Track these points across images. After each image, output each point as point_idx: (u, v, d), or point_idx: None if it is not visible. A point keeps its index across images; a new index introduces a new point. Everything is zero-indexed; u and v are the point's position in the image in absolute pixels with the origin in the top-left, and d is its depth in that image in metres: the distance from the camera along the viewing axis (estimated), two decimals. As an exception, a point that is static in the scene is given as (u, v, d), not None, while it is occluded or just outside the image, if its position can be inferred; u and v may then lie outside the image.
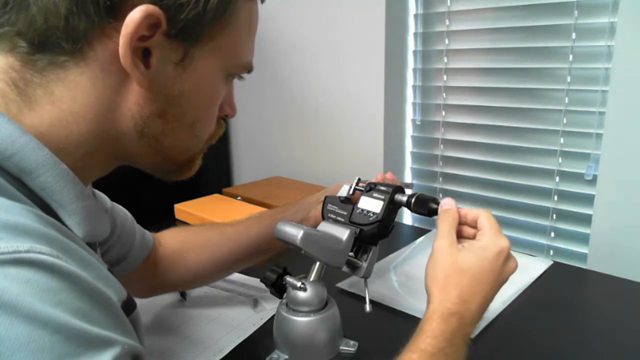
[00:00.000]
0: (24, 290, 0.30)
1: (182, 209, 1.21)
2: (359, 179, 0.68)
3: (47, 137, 0.40)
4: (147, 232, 0.71)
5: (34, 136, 0.39)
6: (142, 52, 0.40)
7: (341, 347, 0.67)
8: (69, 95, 0.40)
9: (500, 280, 0.53)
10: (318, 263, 0.63)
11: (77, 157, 0.42)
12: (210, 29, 0.42)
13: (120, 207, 0.67)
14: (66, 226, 0.40)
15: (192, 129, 0.47)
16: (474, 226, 0.57)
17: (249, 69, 0.50)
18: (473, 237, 0.56)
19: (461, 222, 0.57)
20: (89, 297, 0.33)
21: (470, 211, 0.57)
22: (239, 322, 0.75)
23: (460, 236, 0.57)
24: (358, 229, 0.62)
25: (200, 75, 0.44)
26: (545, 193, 1.16)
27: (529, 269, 0.92)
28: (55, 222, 0.37)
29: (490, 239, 0.53)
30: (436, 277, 0.53)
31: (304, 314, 0.63)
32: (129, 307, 0.42)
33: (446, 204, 0.58)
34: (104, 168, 0.47)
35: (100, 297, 0.35)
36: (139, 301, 0.76)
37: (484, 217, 0.56)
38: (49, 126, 0.40)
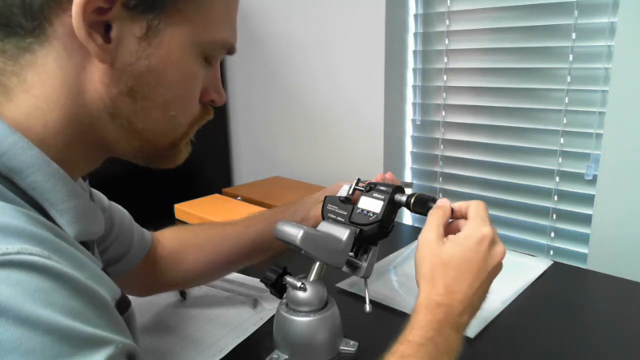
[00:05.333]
0: (14, 292, 0.30)
1: (182, 209, 1.21)
2: (358, 179, 0.68)
3: (26, 128, 0.39)
4: (145, 231, 0.71)
5: (13, 128, 0.38)
6: (104, 27, 0.39)
7: (341, 347, 0.67)
8: (39, 81, 0.40)
9: (486, 267, 0.52)
10: (318, 263, 0.63)
11: (58, 149, 0.41)
12: (174, 0, 0.41)
13: (118, 206, 0.67)
14: (58, 225, 0.40)
15: (166, 110, 0.45)
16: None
17: (229, 49, 0.48)
18: None
19: (457, 216, 0.57)
20: (82, 297, 0.33)
21: (464, 203, 0.57)
22: (239, 322, 0.75)
23: (457, 230, 0.56)
24: (358, 229, 0.62)
25: (167, 50, 0.42)
26: (545, 193, 1.16)
27: (529, 269, 0.92)
28: (47, 221, 0.37)
29: (472, 227, 0.53)
30: (422, 270, 0.53)
31: (304, 314, 0.63)
32: (123, 305, 0.41)
33: (440, 202, 0.58)
34: (89, 160, 0.46)
35: (93, 297, 0.35)
36: (139, 300, 0.77)
37: (472, 207, 0.55)
38: (26, 116, 0.40)
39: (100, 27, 0.39)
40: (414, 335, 0.48)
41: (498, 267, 0.54)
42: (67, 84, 0.40)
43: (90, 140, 0.44)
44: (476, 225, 0.53)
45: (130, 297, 0.73)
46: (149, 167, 0.50)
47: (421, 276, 0.53)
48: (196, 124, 0.50)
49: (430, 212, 0.57)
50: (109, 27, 0.39)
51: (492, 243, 0.53)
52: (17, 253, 0.31)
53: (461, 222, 0.57)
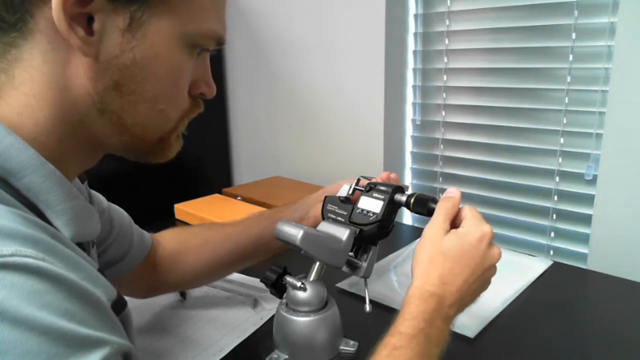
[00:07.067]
0: (9, 295, 0.30)
1: (182, 209, 1.21)
2: (359, 179, 0.68)
3: (19, 127, 0.39)
4: (145, 232, 0.71)
5: (7, 128, 0.38)
6: (87, 20, 0.39)
7: (341, 347, 0.67)
8: (27, 77, 0.39)
9: (482, 265, 0.52)
10: (318, 263, 0.63)
11: (51, 148, 0.41)
12: None
13: (118, 207, 0.67)
14: (54, 227, 0.40)
15: (155, 104, 0.44)
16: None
17: (217, 40, 0.47)
18: None
19: (453, 224, 0.57)
20: (77, 298, 0.33)
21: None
22: (239, 322, 0.75)
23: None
24: (358, 229, 0.62)
25: (152, 42, 0.41)
26: (545, 193, 1.16)
27: (529, 269, 0.92)
28: (42, 223, 0.37)
29: (473, 225, 0.53)
30: (420, 260, 0.53)
31: (304, 314, 0.63)
32: (118, 306, 0.41)
33: (450, 192, 0.57)
34: (83, 158, 0.46)
35: (89, 298, 0.35)
36: (139, 300, 0.77)
37: (466, 209, 0.56)
38: (18, 115, 0.40)
39: (82, 20, 0.39)
40: (405, 326, 0.48)
41: (493, 269, 0.54)
42: (54, 79, 0.40)
43: (82, 137, 0.43)
44: (476, 223, 0.53)
45: (131, 298, 0.73)
46: (140, 162, 0.49)
47: (417, 264, 0.53)
48: (186, 117, 0.49)
49: (438, 205, 0.57)
50: (91, 20, 0.39)
51: (491, 243, 0.53)
52: (12, 255, 0.31)
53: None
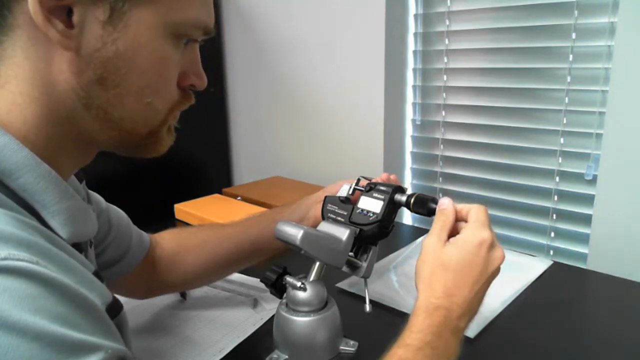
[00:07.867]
0: (1, 299, 0.29)
1: (182, 209, 1.21)
2: (359, 179, 0.68)
3: (8, 125, 0.39)
4: (144, 233, 0.71)
5: (2, 128, 0.38)
6: (66, 13, 0.38)
7: (341, 347, 0.67)
8: (12, 75, 0.39)
9: (486, 271, 0.52)
10: (318, 263, 0.63)
11: (41, 146, 0.40)
12: None
13: (116, 208, 0.67)
14: (50, 228, 0.39)
15: (141, 97, 0.43)
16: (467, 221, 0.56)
17: (204, 29, 0.46)
18: None
19: (458, 219, 0.57)
20: (71, 302, 0.33)
21: (466, 206, 0.56)
22: (239, 322, 0.75)
23: (457, 233, 0.56)
24: (358, 229, 0.62)
25: (134, 33, 0.40)
26: (545, 193, 1.16)
27: (529, 269, 0.92)
28: (38, 225, 0.37)
29: (471, 231, 0.53)
30: (422, 273, 0.53)
31: (304, 314, 0.63)
32: (114, 310, 0.41)
33: (443, 204, 0.57)
34: (76, 156, 0.45)
35: (83, 302, 0.34)
36: (138, 301, 0.77)
37: (473, 211, 0.55)
38: (7, 112, 0.39)
39: (61, 13, 0.38)
40: (412, 339, 0.48)
41: (497, 272, 0.54)
42: (37, 75, 0.40)
43: (71, 133, 0.43)
44: (475, 228, 0.53)
45: (130, 298, 0.73)
46: (133, 158, 0.48)
47: (420, 279, 0.53)
48: (176, 109, 0.48)
49: (435, 218, 0.57)
50: (71, 13, 0.38)
51: (491, 247, 0.53)
52: (5, 259, 0.31)
53: (461, 224, 0.56)
